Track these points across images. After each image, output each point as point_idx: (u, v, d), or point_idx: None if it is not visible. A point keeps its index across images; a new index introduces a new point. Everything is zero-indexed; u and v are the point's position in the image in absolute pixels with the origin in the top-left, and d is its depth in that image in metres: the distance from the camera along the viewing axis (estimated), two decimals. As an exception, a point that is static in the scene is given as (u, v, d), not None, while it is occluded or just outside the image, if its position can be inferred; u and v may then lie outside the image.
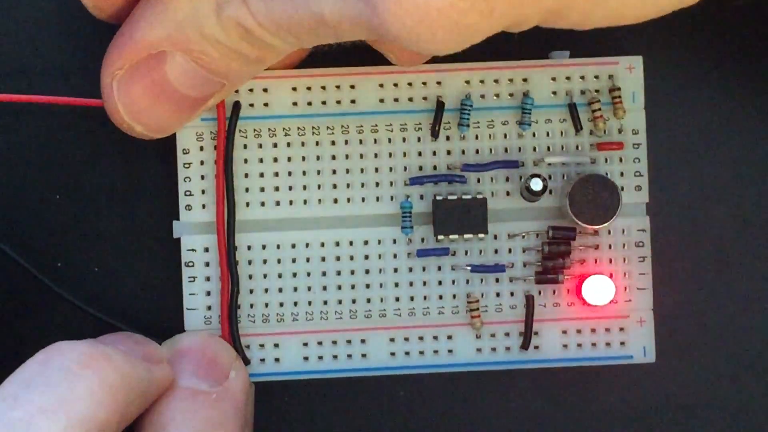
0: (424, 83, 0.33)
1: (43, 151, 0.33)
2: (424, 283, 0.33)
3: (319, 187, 0.33)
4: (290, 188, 0.33)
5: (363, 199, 0.33)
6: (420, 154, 0.33)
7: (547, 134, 0.33)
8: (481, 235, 0.33)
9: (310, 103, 0.33)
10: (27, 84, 0.33)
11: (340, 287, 0.33)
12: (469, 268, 0.33)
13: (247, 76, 0.30)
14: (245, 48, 0.28)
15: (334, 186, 0.33)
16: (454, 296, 0.33)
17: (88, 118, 0.33)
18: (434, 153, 0.33)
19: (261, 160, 0.33)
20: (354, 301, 0.33)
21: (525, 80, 0.33)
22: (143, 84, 0.29)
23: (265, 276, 0.33)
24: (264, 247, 0.33)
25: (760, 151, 0.34)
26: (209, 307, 0.33)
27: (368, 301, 0.33)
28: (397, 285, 0.33)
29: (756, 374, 0.34)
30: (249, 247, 0.33)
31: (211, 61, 0.28)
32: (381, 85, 0.33)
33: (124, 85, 0.29)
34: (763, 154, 0.34)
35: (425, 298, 0.33)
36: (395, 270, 0.33)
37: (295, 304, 0.33)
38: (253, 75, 0.30)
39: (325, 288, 0.33)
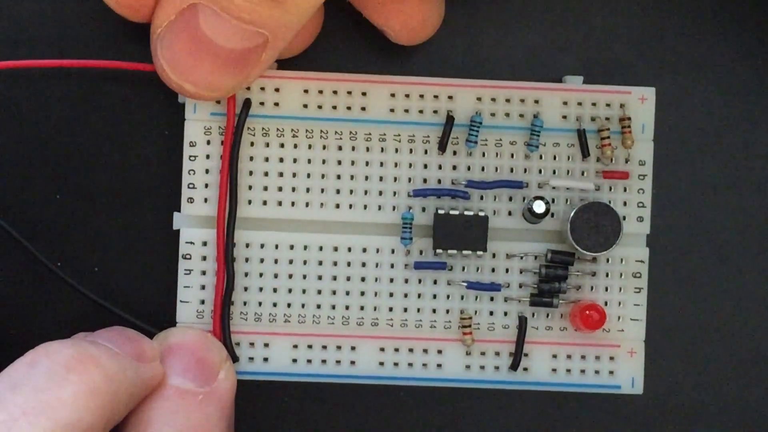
0: (436, 96, 0.33)
1: (46, 134, 0.33)
2: (419, 296, 0.33)
3: (322, 190, 0.33)
4: (293, 189, 0.33)
5: (365, 207, 0.33)
6: (425, 166, 0.33)
7: (554, 158, 0.33)
8: (479, 253, 0.33)
9: (320, 107, 0.33)
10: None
11: (334, 292, 0.33)
12: (464, 284, 0.33)
13: (281, 27, 0.29)
14: None
15: (338, 191, 0.33)
16: (448, 311, 0.33)
17: (88, 111, 0.33)
18: (440, 167, 0.33)
19: (267, 159, 0.33)
20: (347, 308, 0.33)
21: (536, 102, 0.33)
22: (181, 39, 0.29)
23: (260, 275, 0.33)
24: (262, 245, 0.33)
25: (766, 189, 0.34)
26: (202, 301, 0.33)
27: (361, 308, 0.33)
28: (391, 295, 0.33)
29: (742, 409, 0.34)
30: (247, 245, 0.33)
31: (237, 8, 0.28)
32: (393, 95, 0.33)
33: (166, 42, 0.29)
34: None
35: (419, 310, 0.33)
36: (391, 280, 0.33)
37: (289, 305, 0.33)
38: (290, 28, 0.29)
39: (319, 292, 0.33)
